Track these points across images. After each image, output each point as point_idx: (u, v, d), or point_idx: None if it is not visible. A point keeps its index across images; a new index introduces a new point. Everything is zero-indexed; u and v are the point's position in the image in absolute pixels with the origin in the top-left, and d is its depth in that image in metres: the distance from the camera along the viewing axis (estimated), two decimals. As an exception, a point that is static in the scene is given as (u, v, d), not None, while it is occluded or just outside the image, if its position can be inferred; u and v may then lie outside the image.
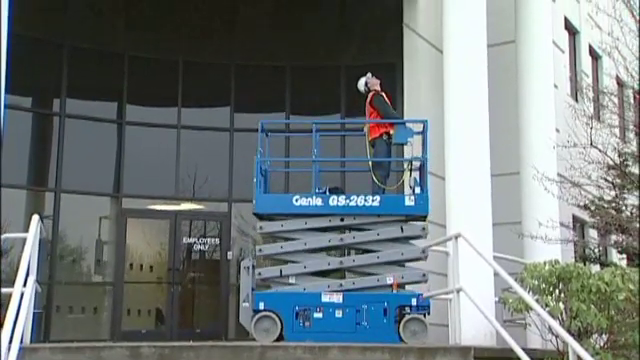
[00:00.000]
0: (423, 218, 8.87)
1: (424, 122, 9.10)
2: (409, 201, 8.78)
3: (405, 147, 9.85)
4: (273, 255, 9.03)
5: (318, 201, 8.75)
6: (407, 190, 9.29)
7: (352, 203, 8.71)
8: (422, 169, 9.00)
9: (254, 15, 13.37)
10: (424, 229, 8.75)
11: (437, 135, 9.71)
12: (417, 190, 8.86)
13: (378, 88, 9.64)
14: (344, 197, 8.76)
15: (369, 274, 8.65)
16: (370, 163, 9.27)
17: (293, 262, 8.71)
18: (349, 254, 9.16)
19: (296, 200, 8.79)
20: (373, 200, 8.73)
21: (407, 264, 8.88)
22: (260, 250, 9.05)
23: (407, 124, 9.50)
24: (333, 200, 8.75)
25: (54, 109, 12.48)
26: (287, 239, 8.85)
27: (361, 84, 9.78)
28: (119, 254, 12.35)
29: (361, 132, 9.81)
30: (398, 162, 9.94)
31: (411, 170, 9.26)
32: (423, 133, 9.06)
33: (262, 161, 9.00)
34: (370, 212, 8.71)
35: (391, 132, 9.30)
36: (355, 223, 8.81)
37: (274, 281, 8.72)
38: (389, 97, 9.74)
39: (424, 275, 8.62)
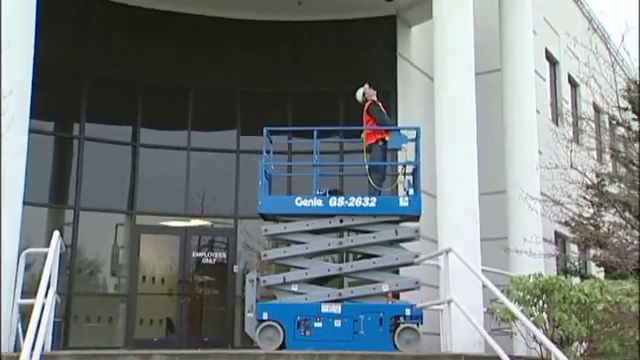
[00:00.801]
0: (416, 218, 8.87)
1: (417, 129, 9.14)
2: (403, 202, 8.81)
3: (399, 153, 9.87)
4: (277, 259, 9.03)
5: (319, 202, 8.79)
6: (401, 192, 9.31)
7: (350, 204, 8.75)
8: (415, 173, 9.02)
9: (258, 46, 13.45)
10: (417, 231, 8.75)
11: (429, 156, 9.74)
12: (411, 192, 8.89)
13: (375, 98, 9.70)
14: (343, 198, 8.79)
15: (366, 279, 8.65)
16: (367, 167, 9.30)
17: (295, 267, 8.71)
18: (347, 258, 9.15)
19: (298, 201, 8.81)
20: (370, 201, 8.75)
21: (401, 271, 8.87)
22: (265, 255, 9.06)
23: (401, 131, 9.54)
24: (333, 201, 8.78)
25: (74, 133, 12.53)
26: (290, 242, 8.85)
27: (359, 94, 9.83)
28: (133, 267, 12.34)
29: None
30: (393, 166, 9.93)
31: (405, 173, 9.28)
32: (416, 140, 9.09)
33: (267, 165, 9.03)
34: (367, 212, 8.73)
35: (386, 138, 9.34)
36: (353, 224, 8.82)
37: (277, 288, 8.72)
38: (385, 106, 9.78)
39: (417, 282, 8.63)
